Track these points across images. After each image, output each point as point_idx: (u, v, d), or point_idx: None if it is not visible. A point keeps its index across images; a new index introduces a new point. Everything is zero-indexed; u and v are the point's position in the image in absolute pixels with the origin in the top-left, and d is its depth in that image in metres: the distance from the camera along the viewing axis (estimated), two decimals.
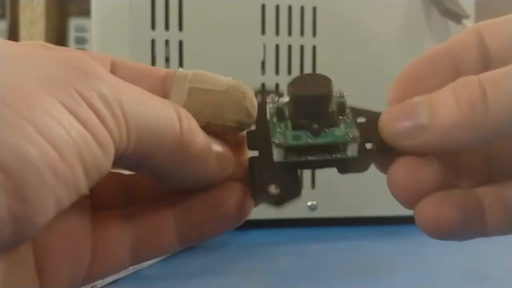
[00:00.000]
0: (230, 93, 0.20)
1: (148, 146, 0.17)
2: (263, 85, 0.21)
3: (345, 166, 0.20)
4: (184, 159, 0.18)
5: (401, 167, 0.19)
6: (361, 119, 0.21)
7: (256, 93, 0.21)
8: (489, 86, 0.17)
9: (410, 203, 0.19)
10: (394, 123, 0.19)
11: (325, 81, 0.21)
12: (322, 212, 0.44)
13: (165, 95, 0.20)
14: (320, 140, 0.20)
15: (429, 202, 0.19)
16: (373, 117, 0.21)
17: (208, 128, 0.19)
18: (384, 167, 0.20)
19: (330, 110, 0.20)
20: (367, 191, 0.44)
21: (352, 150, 0.20)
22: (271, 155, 0.20)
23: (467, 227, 0.19)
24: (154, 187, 0.22)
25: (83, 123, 0.14)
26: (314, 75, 0.22)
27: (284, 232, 0.44)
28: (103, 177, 0.16)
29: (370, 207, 0.45)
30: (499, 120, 0.17)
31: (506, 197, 0.19)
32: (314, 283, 0.33)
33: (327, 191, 0.45)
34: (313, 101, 0.20)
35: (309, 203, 0.44)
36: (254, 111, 0.20)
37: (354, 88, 0.45)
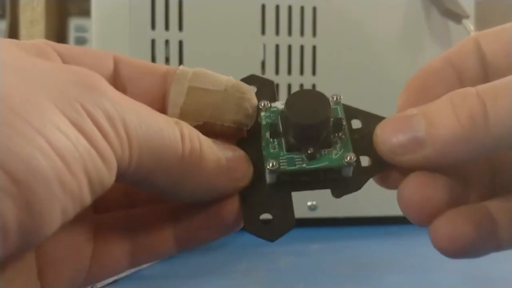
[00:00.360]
0: (229, 93, 0.20)
1: (150, 164, 0.17)
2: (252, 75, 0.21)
3: (339, 188, 0.20)
4: (186, 177, 0.18)
5: (412, 185, 0.19)
6: (356, 126, 0.21)
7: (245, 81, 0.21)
8: (489, 99, 0.17)
9: (423, 222, 0.19)
10: (390, 138, 0.19)
11: (323, 103, 0.19)
12: (322, 212, 0.44)
13: (165, 92, 0.20)
14: (314, 165, 0.19)
15: (444, 220, 0.18)
16: (368, 124, 0.20)
17: (207, 128, 0.19)
18: (383, 181, 0.20)
19: (326, 132, 0.20)
20: (367, 191, 0.44)
21: (347, 172, 0.20)
22: (262, 175, 0.20)
23: (482, 243, 0.18)
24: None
25: (88, 138, 0.14)
26: (310, 94, 0.20)
27: None
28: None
29: (370, 207, 0.45)
30: (500, 132, 0.17)
31: None
32: (314, 283, 0.33)
33: (327, 191, 0.45)
34: (311, 129, 0.19)
35: (309, 203, 0.44)
36: (254, 112, 0.20)
37: (354, 88, 0.45)
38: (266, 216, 0.20)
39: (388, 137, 0.19)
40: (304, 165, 0.19)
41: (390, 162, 0.19)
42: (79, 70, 0.16)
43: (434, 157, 0.18)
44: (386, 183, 0.20)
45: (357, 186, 0.20)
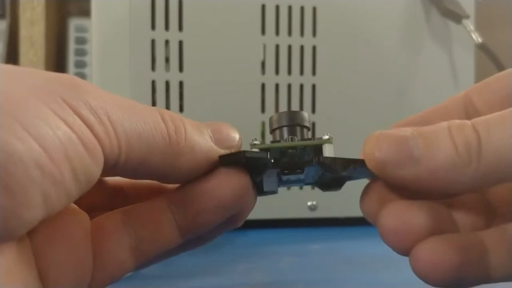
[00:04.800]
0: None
1: (140, 150, 0.17)
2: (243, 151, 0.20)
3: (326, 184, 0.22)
4: (179, 156, 0.18)
5: (390, 213, 0.19)
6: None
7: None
8: (483, 130, 0.17)
9: (403, 250, 0.19)
10: (384, 152, 0.19)
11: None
12: (322, 212, 0.44)
13: None
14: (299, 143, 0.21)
15: (423, 246, 0.18)
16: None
17: None
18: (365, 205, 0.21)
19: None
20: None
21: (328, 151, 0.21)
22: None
23: (466, 271, 0.18)
24: (145, 187, 0.22)
25: (70, 126, 0.15)
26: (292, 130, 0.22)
27: (284, 232, 0.44)
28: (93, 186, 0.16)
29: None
30: (492, 164, 0.17)
31: (510, 239, 0.19)
32: (314, 283, 0.33)
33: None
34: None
35: (309, 203, 0.44)
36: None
37: (354, 88, 0.45)
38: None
39: (382, 150, 0.19)
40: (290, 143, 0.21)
41: (378, 175, 0.19)
42: (60, 74, 0.17)
43: (425, 177, 0.18)
44: (367, 210, 0.21)
45: (339, 186, 0.22)
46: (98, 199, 0.22)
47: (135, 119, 0.17)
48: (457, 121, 0.18)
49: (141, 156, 0.17)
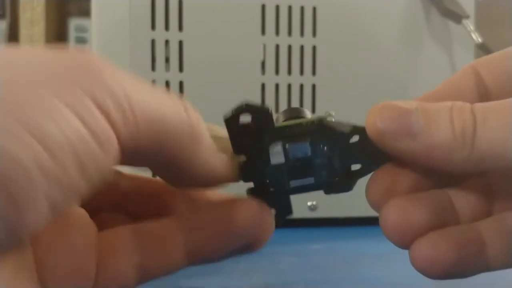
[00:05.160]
0: None
1: (159, 135, 0.16)
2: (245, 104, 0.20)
3: (330, 188, 0.22)
4: (196, 147, 0.18)
5: (393, 208, 0.19)
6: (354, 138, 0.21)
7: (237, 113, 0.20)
8: (480, 117, 0.18)
9: (404, 244, 0.19)
10: (386, 122, 0.19)
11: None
12: (322, 212, 0.44)
13: None
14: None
15: (422, 242, 0.19)
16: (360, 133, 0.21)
17: None
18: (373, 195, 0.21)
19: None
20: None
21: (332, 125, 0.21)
22: (266, 187, 0.21)
23: (465, 264, 0.19)
24: (160, 195, 0.22)
25: (82, 120, 0.14)
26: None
27: (284, 232, 0.44)
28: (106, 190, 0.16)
29: (370, 207, 0.45)
30: (483, 152, 0.18)
31: (507, 229, 0.19)
32: (314, 283, 0.33)
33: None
34: None
35: (309, 203, 0.44)
36: None
37: (354, 88, 0.45)
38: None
39: (383, 120, 0.19)
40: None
41: (377, 143, 0.19)
42: (77, 54, 0.16)
43: (420, 153, 0.18)
44: (372, 199, 0.21)
45: (348, 187, 0.22)
46: (105, 201, 0.21)
47: (155, 101, 0.16)
48: (460, 103, 0.19)
49: (159, 141, 0.17)
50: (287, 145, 0.20)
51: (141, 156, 0.17)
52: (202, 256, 0.20)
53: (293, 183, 0.21)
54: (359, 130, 0.20)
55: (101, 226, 0.20)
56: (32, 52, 0.16)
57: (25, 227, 0.14)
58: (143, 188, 0.22)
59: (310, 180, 0.21)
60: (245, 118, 0.20)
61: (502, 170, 0.19)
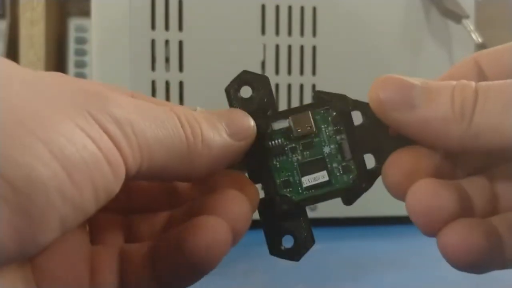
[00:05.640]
0: None
1: (160, 158, 0.17)
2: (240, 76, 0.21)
3: (348, 195, 0.22)
4: (197, 158, 0.18)
5: (423, 190, 0.19)
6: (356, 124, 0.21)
7: (236, 84, 0.21)
8: (482, 94, 0.18)
9: (431, 229, 0.19)
10: (388, 92, 0.19)
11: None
12: (322, 212, 0.44)
13: None
14: (325, 190, 0.22)
15: (454, 229, 0.18)
16: (367, 115, 0.21)
17: None
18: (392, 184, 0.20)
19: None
20: (368, 191, 0.44)
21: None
22: (275, 198, 0.21)
23: (493, 256, 0.18)
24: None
25: (97, 144, 0.15)
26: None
27: None
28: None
29: (370, 207, 0.45)
30: (481, 127, 0.18)
31: None
32: (314, 283, 0.33)
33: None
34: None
35: None
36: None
37: (354, 88, 0.45)
38: (287, 238, 0.22)
39: (385, 91, 0.19)
40: (315, 191, 0.22)
41: (376, 112, 0.20)
42: (85, 82, 0.17)
43: (416, 125, 0.19)
44: (391, 182, 0.20)
45: (367, 187, 0.21)
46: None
47: (156, 127, 0.17)
48: (465, 81, 0.19)
49: (161, 163, 0.17)
50: (289, 118, 0.21)
51: (143, 177, 0.17)
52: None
53: (306, 181, 0.21)
54: (360, 105, 0.21)
55: (94, 226, 0.21)
56: (43, 76, 0.16)
57: (35, 244, 0.14)
58: (131, 185, 0.23)
59: (323, 175, 0.21)
60: (246, 93, 0.21)
61: (501, 152, 0.18)
